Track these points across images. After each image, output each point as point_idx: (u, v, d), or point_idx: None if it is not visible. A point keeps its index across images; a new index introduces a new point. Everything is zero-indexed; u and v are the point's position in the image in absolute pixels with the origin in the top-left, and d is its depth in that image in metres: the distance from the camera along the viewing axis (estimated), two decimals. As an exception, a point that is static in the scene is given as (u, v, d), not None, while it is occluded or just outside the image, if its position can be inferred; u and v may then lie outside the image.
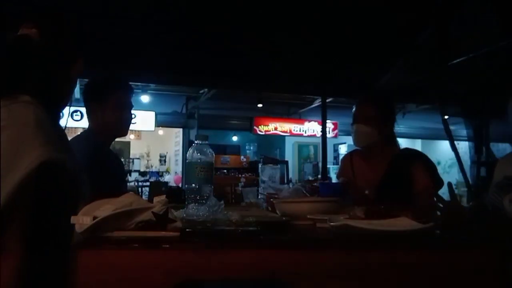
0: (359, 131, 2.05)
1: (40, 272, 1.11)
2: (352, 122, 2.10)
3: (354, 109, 2.13)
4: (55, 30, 1.17)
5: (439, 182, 2.01)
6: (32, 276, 1.00)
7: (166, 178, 10.58)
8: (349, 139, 2.28)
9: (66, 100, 1.24)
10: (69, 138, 1.41)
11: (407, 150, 2.13)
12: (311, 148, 12.50)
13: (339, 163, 2.32)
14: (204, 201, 1.23)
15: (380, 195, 1.96)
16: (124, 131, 2.06)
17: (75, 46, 1.23)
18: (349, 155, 2.25)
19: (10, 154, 0.94)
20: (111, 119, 1.98)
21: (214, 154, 1.33)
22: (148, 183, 8.79)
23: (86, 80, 2.11)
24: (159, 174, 10.80)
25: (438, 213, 1.65)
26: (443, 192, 2.14)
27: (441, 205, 1.62)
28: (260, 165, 2.32)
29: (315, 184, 1.91)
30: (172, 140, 10.91)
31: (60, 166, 1.03)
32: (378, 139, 2.05)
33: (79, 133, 2.05)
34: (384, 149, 2.10)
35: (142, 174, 10.53)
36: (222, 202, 1.12)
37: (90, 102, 2.01)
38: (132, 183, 9.32)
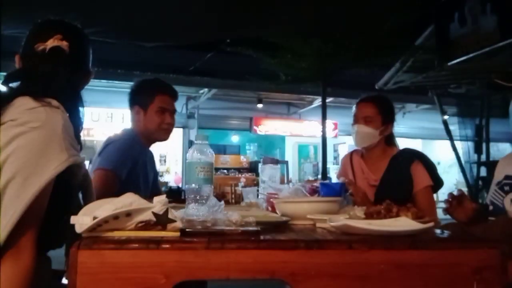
0: (360, 131, 2.06)
1: (46, 270, 1.13)
2: (353, 122, 2.11)
3: (354, 110, 2.14)
4: (80, 44, 1.28)
5: (438, 182, 2.02)
6: (39, 274, 1.01)
7: (166, 178, 10.57)
8: (349, 139, 2.29)
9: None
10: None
11: (406, 150, 2.13)
12: (311, 148, 12.49)
13: (339, 163, 2.32)
14: (204, 201, 1.22)
15: (379, 195, 1.96)
16: (165, 136, 2.06)
17: (90, 60, 1.34)
18: (349, 155, 2.25)
19: (40, 155, 0.99)
20: (153, 124, 1.99)
21: (214, 154, 1.33)
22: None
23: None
24: (159, 174, 10.79)
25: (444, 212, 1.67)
26: (443, 192, 2.15)
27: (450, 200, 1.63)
28: (260, 165, 2.31)
29: (315, 184, 1.91)
30: (172, 140, 10.92)
31: (79, 169, 1.10)
32: (379, 139, 2.06)
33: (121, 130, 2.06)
34: (385, 149, 2.10)
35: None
36: (222, 202, 1.11)
37: (134, 105, 2.01)
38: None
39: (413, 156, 2.04)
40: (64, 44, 1.19)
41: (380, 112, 2.07)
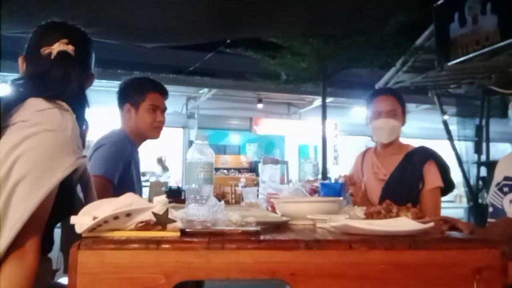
0: (388, 125, 2.01)
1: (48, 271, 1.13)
2: (374, 117, 2.05)
3: (372, 105, 2.09)
4: (84, 48, 1.29)
5: (450, 185, 1.99)
6: (41, 275, 1.02)
7: (166, 178, 10.57)
8: (349, 139, 2.28)
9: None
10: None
11: (423, 148, 2.09)
12: (311, 148, 12.48)
13: (339, 163, 2.32)
14: (204, 201, 1.22)
15: (388, 189, 1.95)
16: (157, 134, 2.05)
17: (93, 63, 1.35)
18: (363, 152, 2.23)
19: (51, 156, 1.00)
20: (145, 122, 1.98)
21: (214, 154, 1.33)
22: (148, 183, 8.80)
23: None
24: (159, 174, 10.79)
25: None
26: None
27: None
28: (260, 165, 2.30)
29: (315, 184, 1.91)
30: (171, 140, 10.90)
31: (83, 170, 1.12)
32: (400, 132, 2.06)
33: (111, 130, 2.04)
34: (400, 144, 2.09)
35: (142, 174, 10.52)
36: (222, 202, 1.12)
37: (125, 103, 2.00)
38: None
39: (429, 155, 2.01)
40: (70, 48, 1.20)
41: (400, 104, 2.06)
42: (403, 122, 2.06)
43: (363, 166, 2.15)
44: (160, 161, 9.68)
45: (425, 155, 2.00)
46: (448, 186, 1.98)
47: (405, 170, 1.98)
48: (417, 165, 1.97)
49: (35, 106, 1.04)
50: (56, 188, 1.01)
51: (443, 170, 1.99)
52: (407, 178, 1.96)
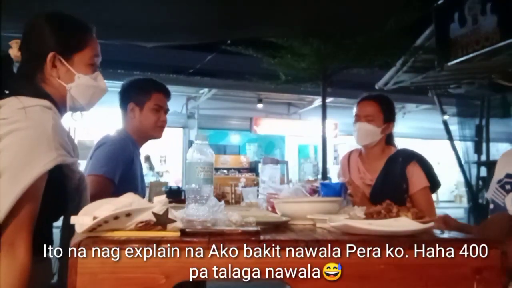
0: (362, 129, 2.04)
1: (42, 270, 1.13)
2: (354, 121, 2.10)
3: (355, 109, 2.13)
4: (30, 35, 1.22)
5: (435, 183, 2.01)
6: (40, 276, 1.01)
7: (166, 178, 10.59)
8: (349, 139, 2.29)
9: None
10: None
11: (403, 150, 2.11)
12: (311, 148, 12.50)
13: (339, 163, 2.32)
14: (204, 201, 1.22)
15: (374, 195, 1.96)
16: (160, 134, 2.07)
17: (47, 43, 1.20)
18: (347, 154, 2.25)
19: (28, 153, 1.00)
20: (149, 121, 1.99)
21: (214, 154, 1.33)
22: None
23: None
24: (159, 174, 10.81)
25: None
26: (443, 192, 2.13)
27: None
28: (260, 165, 2.30)
29: (315, 184, 1.90)
30: (171, 140, 10.91)
31: (70, 169, 1.11)
32: (380, 137, 2.05)
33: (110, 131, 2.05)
34: (384, 149, 2.10)
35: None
36: (222, 202, 1.11)
37: (129, 102, 2.01)
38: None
39: (410, 157, 2.02)
40: (14, 45, 1.19)
41: (381, 111, 2.06)
42: (385, 129, 2.06)
43: (350, 170, 2.15)
44: (148, 159, 9.69)
45: (407, 157, 2.02)
46: (434, 184, 2.00)
47: (388, 174, 2.00)
48: (400, 167, 1.98)
49: (16, 104, 1.04)
50: (40, 185, 1.01)
51: (427, 169, 2.01)
52: (391, 181, 1.98)
